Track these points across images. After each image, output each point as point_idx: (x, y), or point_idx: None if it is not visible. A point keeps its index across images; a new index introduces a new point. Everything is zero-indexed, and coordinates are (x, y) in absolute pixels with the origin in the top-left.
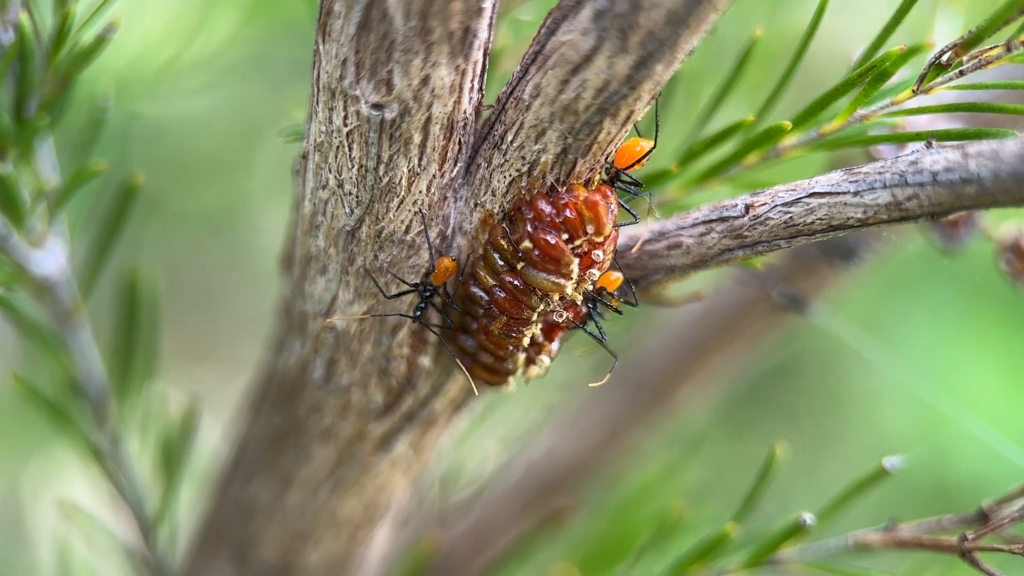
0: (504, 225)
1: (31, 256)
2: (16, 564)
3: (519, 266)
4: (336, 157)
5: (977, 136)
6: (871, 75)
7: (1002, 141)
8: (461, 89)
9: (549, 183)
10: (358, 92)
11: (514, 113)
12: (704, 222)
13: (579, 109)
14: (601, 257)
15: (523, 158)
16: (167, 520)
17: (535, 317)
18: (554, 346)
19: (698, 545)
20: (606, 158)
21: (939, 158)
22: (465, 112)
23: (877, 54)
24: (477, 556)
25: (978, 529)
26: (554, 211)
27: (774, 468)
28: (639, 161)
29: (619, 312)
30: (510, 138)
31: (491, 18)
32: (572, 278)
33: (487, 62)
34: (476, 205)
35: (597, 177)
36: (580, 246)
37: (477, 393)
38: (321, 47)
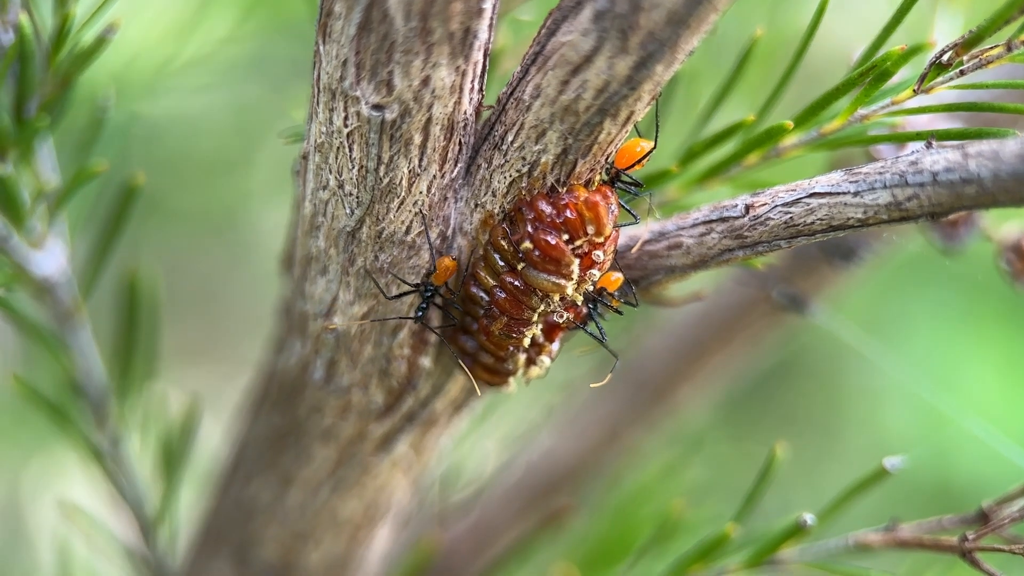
0: (504, 226)
1: (31, 257)
2: (16, 564)
3: (519, 267)
4: (336, 158)
5: (977, 136)
6: (872, 75)
7: (1002, 141)
8: (461, 90)
9: (549, 184)
10: (358, 93)
11: (514, 114)
12: (704, 222)
13: (579, 110)
14: (601, 257)
15: (523, 159)
16: (167, 520)
17: (535, 318)
18: (554, 346)
19: (698, 545)
20: (606, 158)
21: (939, 158)
22: (465, 113)
23: (878, 54)
24: (477, 556)
25: (978, 529)
26: (554, 212)
27: (774, 468)
28: (639, 161)
29: (619, 312)
30: (510, 139)
31: (491, 19)
32: (572, 279)
33: (487, 63)
34: (476, 206)
35: (597, 177)
36: (580, 247)
37: (480, 394)
38: (321, 48)
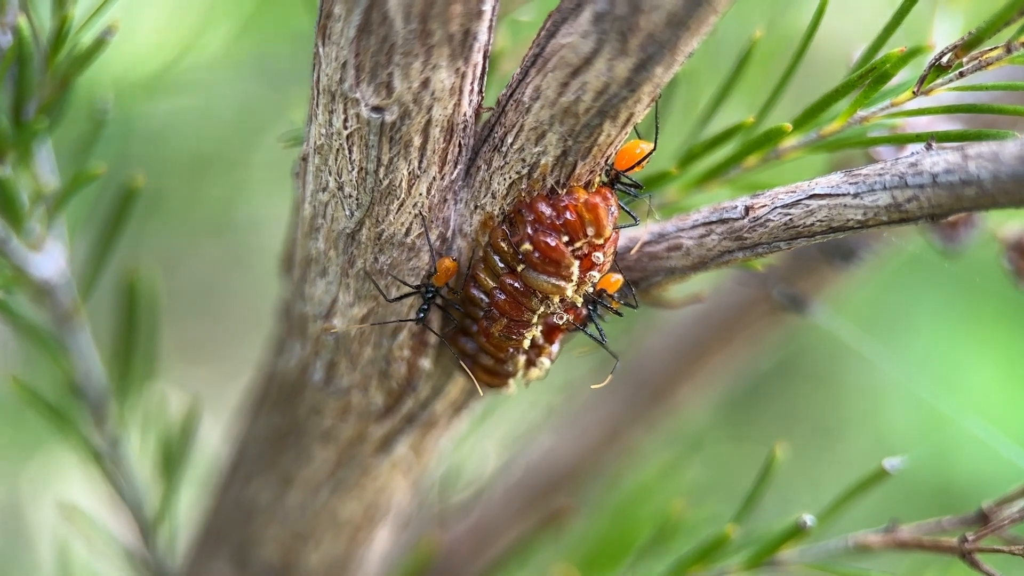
0: (504, 227)
1: (30, 259)
2: (16, 565)
3: (519, 268)
4: (336, 160)
5: (977, 137)
6: (871, 77)
7: (1002, 143)
8: (461, 92)
9: (549, 185)
10: (358, 95)
11: (514, 116)
12: (704, 224)
13: (579, 112)
14: (601, 259)
15: (523, 160)
16: (167, 521)
17: (535, 319)
18: (554, 348)
19: (698, 546)
20: (606, 160)
21: (939, 160)
22: (465, 115)
23: (877, 55)
24: (477, 557)
25: (978, 530)
26: (554, 213)
27: (774, 469)
28: (639, 163)
29: (619, 314)
30: (510, 140)
31: (491, 21)
32: (572, 280)
33: (487, 65)
34: (476, 207)
35: (597, 179)
36: (580, 248)
37: (482, 394)
38: (321, 50)
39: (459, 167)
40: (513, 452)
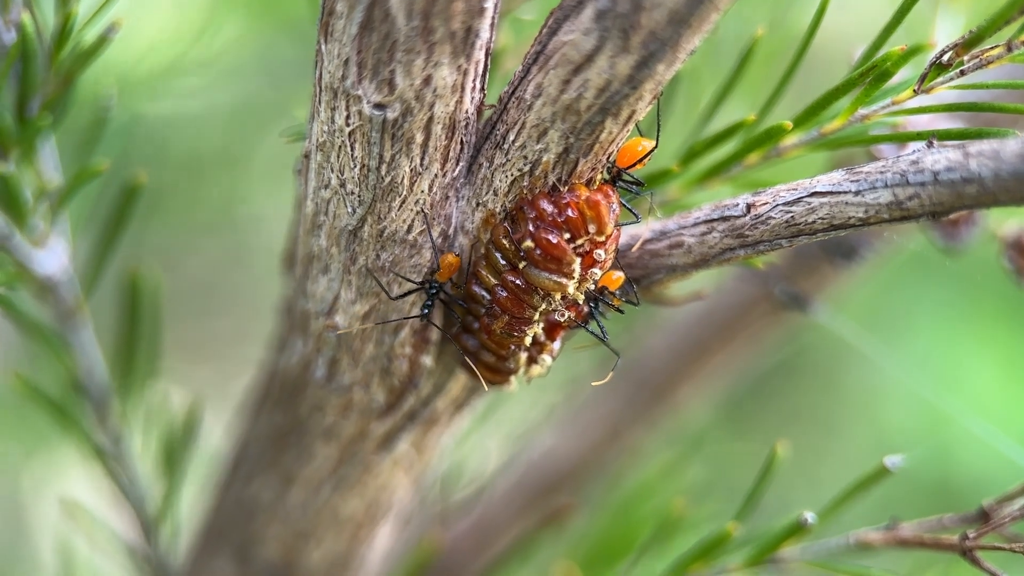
0: (506, 224)
1: (33, 255)
2: (18, 562)
3: (521, 265)
4: (338, 157)
5: (978, 136)
6: (872, 75)
7: (1003, 140)
8: (463, 89)
9: (551, 182)
10: (360, 92)
11: (516, 113)
12: (705, 221)
13: (581, 109)
14: (603, 256)
15: (525, 157)
16: (169, 518)
17: (537, 316)
18: (556, 345)
19: (699, 544)
20: (608, 157)
21: (940, 157)
22: (467, 112)
23: (878, 54)
24: (479, 555)
25: (979, 528)
26: (556, 210)
27: (775, 467)
28: (641, 160)
29: (621, 311)
30: (512, 137)
31: (493, 18)
32: (574, 277)
33: (489, 62)
34: (478, 204)
35: (599, 176)
36: (582, 245)
37: (487, 388)
38: (323, 47)
39: (461, 164)
40: (514, 450)
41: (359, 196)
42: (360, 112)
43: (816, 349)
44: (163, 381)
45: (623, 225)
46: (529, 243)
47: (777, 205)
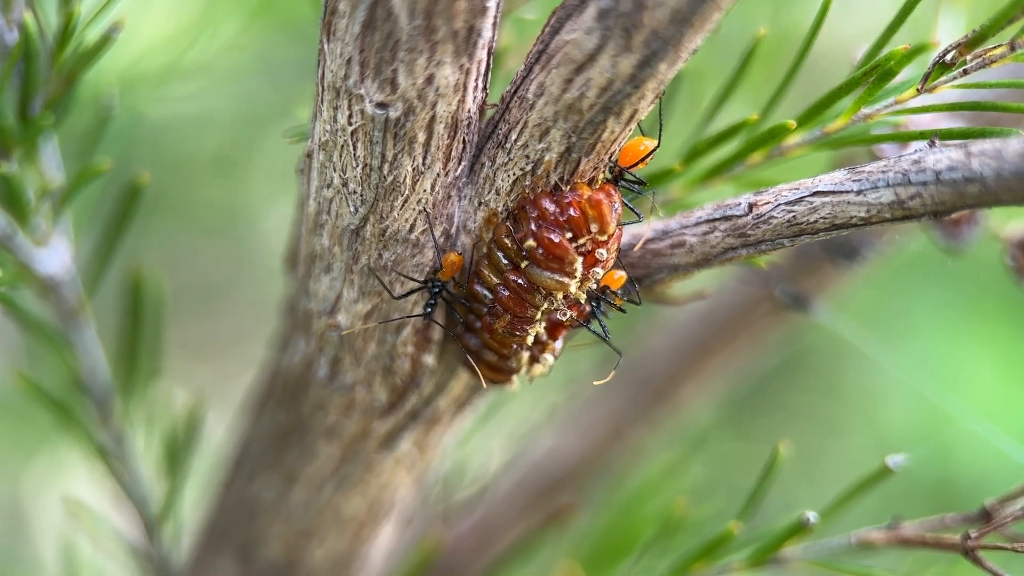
0: (508, 224)
1: (35, 255)
2: (21, 561)
3: (523, 265)
4: (341, 156)
5: (980, 135)
6: (875, 74)
7: (1005, 140)
8: (465, 88)
9: (553, 182)
10: (363, 91)
11: (518, 112)
12: (707, 221)
13: (583, 108)
14: (605, 256)
15: (527, 157)
16: (171, 518)
17: (539, 316)
18: (558, 344)
19: (701, 543)
20: (610, 157)
21: (942, 157)
22: (469, 111)
23: (881, 53)
24: (481, 554)
25: (981, 527)
26: (558, 210)
27: (777, 466)
28: (643, 160)
29: (623, 311)
30: (514, 137)
31: (495, 17)
32: (576, 276)
33: (491, 61)
34: (480, 204)
35: (601, 176)
36: (584, 244)
37: (485, 386)
38: (326, 46)
39: (463, 164)
40: (517, 450)
41: (361, 195)
42: (363, 111)
43: (818, 349)
44: (165, 380)
45: (625, 224)
46: (531, 242)
47: (779, 204)
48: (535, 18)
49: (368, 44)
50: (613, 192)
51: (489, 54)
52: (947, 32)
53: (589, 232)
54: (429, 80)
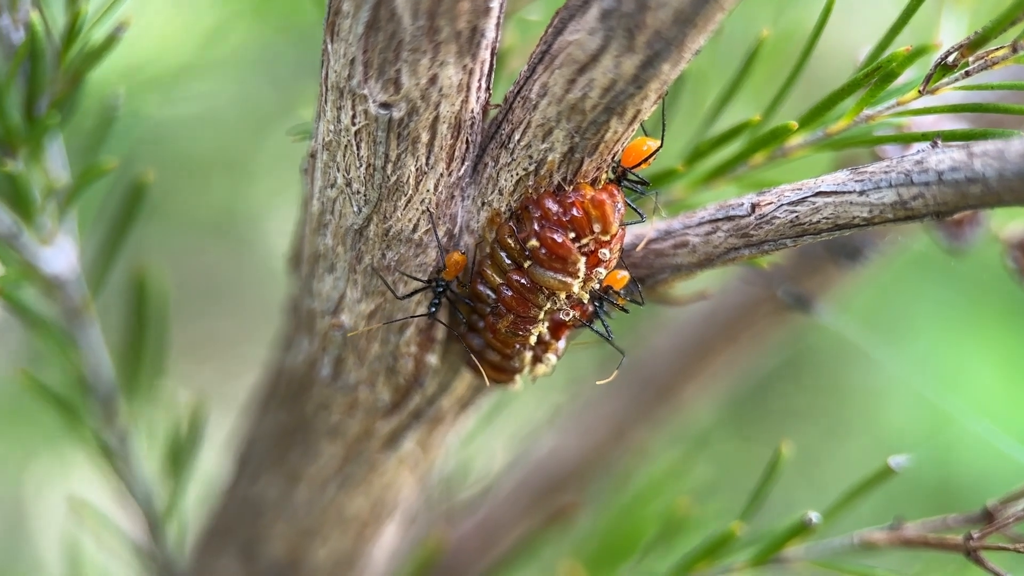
0: (511, 224)
1: (41, 254)
2: (24, 560)
3: (526, 265)
4: (344, 156)
5: (983, 136)
6: (877, 76)
7: (1007, 141)
8: (468, 88)
9: (556, 182)
10: (366, 91)
11: (521, 112)
12: (710, 221)
13: (586, 108)
14: (608, 256)
15: (530, 157)
16: (175, 517)
17: (542, 315)
18: (561, 344)
19: (704, 543)
20: (613, 157)
21: (944, 157)
22: (472, 111)
23: (883, 55)
24: (484, 553)
25: (983, 528)
26: (561, 210)
27: (780, 467)
28: (646, 160)
29: (625, 311)
30: (517, 137)
31: (498, 17)
32: (579, 277)
33: (494, 61)
34: (483, 204)
35: (604, 176)
36: (587, 245)
37: (488, 386)
38: (329, 46)
39: (466, 164)
40: (520, 450)
41: (365, 195)
42: (366, 111)
43: (820, 349)
44: (169, 380)
45: (628, 224)
46: (534, 242)
47: (782, 205)
48: (538, 19)
49: (372, 44)
50: (616, 192)
51: (492, 54)
52: (949, 34)
53: (592, 232)
54: (432, 80)
